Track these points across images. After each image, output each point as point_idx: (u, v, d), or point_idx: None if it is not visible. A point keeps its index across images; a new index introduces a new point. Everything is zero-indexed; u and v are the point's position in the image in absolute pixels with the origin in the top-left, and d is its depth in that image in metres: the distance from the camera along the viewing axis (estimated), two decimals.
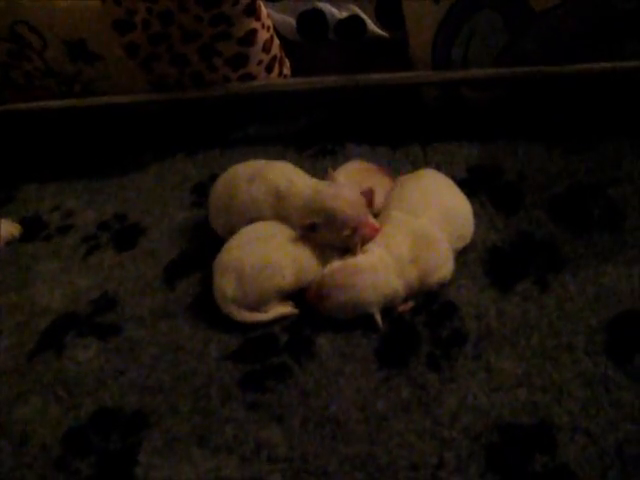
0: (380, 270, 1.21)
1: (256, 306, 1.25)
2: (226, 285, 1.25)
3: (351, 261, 1.23)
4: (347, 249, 1.26)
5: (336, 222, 1.23)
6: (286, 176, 1.35)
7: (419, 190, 1.33)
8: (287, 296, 1.28)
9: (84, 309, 1.39)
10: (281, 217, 1.31)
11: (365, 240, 1.26)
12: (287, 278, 1.25)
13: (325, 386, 1.15)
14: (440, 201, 1.31)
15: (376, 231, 1.26)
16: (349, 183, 1.32)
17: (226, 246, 1.30)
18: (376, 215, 1.32)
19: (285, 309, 1.27)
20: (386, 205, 1.32)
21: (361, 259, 1.23)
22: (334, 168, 1.39)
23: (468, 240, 1.32)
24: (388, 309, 1.23)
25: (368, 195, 1.29)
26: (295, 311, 1.27)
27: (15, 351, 1.32)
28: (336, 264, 1.24)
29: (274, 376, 1.17)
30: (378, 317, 1.21)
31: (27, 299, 1.44)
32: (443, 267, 1.25)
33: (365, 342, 1.20)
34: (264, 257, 1.25)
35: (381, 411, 1.10)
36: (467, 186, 1.40)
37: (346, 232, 1.23)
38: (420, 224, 1.26)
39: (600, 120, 1.58)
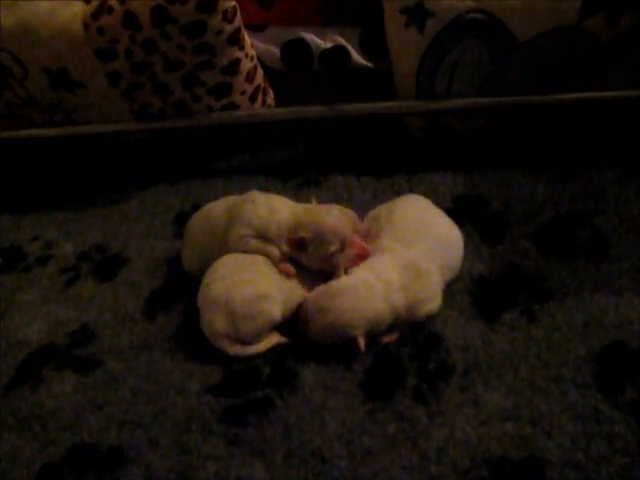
0: (362, 292, 1.19)
1: (248, 339, 1.23)
2: (216, 320, 1.22)
3: (333, 283, 1.22)
4: (331, 273, 1.25)
5: (325, 236, 1.22)
6: (272, 196, 1.35)
7: (411, 218, 1.31)
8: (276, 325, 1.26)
9: (62, 341, 1.36)
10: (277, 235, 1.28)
11: (353, 261, 1.24)
12: (278, 310, 1.23)
13: (309, 420, 1.12)
14: (433, 231, 1.30)
15: (364, 251, 1.25)
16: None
17: (207, 280, 1.27)
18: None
19: (276, 338, 1.25)
20: (376, 232, 1.30)
21: (342, 281, 1.21)
22: (317, 197, 1.38)
23: (457, 271, 1.31)
24: (373, 340, 1.21)
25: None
26: (286, 339, 1.25)
27: None
28: (319, 287, 1.23)
29: (256, 410, 1.15)
30: (361, 341, 1.18)
31: (4, 331, 1.41)
32: (433, 300, 1.23)
33: (350, 375, 1.18)
34: (253, 290, 1.22)
35: (366, 446, 1.07)
36: (452, 216, 1.38)
37: (334, 247, 1.22)
38: (411, 255, 1.24)
39: (584, 149, 1.58)
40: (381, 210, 1.35)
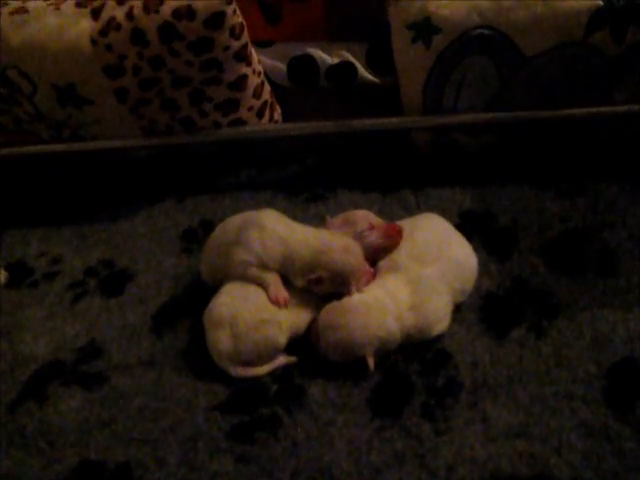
0: (373, 310, 1.19)
1: (252, 362, 1.23)
2: (220, 341, 1.22)
3: (344, 300, 1.21)
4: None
5: (344, 275, 1.22)
6: (283, 223, 1.31)
7: (431, 238, 1.30)
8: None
9: (69, 357, 1.35)
10: (286, 267, 1.26)
11: (362, 286, 1.25)
12: (283, 336, 1.23)
13: (316, 437, 1.12)
14: (451, 254, 1.28)
15: (372, 276, 1.26)
16: (342, 231, 1.31)
17: (217, 300, 1.27)
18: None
19: (282, 360, 1.24)
20: (396, 248, 1.30)
21: (354, 298, 1.21)
22: (329, 215, 1.38)
23: (468, 294, 1.30)
24: (382, 357, 1.20)
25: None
26: (292, 359, 1.24)
27: None
28: (331, 303, 1.22)
29: (264, 427, 1.14)
30: (370, 360, 1.18)
31: (11, 347, 1.40)
32: (442, 322, 1.23)
33: (358, 391, 1.18)
34: (257, 315, 1.22)
35: (375, 463, 1.07)
36: (460, 232, 1.37)
37: (352, 283, 1.23)
38: (425, 275, 1.24)
39: (592, 164, 1.58)
40: (403, 225, 1.34)
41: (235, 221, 1.37)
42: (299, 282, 1.25)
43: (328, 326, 1.19)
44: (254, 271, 1.26)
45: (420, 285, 1.22)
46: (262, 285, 1.26)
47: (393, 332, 1.19)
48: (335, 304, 1.22)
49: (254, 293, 1.25)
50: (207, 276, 1.41)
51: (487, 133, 1.64)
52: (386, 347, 1.20)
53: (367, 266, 1.27)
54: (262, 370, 1.23)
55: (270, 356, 1.23)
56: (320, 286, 1.23)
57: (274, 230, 1.28)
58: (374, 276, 1.27)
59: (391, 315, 1.19)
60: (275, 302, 1.23)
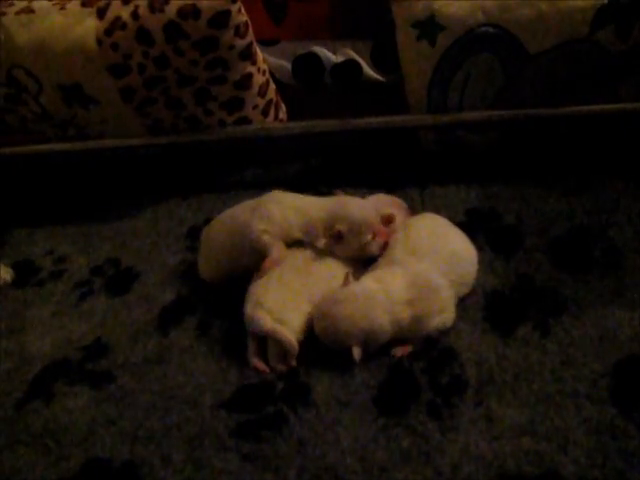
0: (361, 302, 1.19)
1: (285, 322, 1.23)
2: (264, 292, 1.25)
3: (338, 290, 1.23)
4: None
5: (361, 228, 1.27)
6: (296, 196, 1.38)
7: (426, 232, 1.31)
8: None
9: (76, 356, 1.36)
10: (308, 232, 1.32)
11: (381, 249, 1.30)
12: (294, 339, 1.23)
13: (322, 435, 1.11)
14: (446, 246, 1.30)
15: (388, 236, 1.31)
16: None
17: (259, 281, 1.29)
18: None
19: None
20: (390, 245, 1.31)
21: (347, 289, 1.22)
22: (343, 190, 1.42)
23: (471, 286, 1.30)
24: (385, 355, 1.21)
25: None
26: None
27: (3, 400, 1.28)
28: (327, 293, 1.24)
29: (269, 425, 1.14)
30: (356, 351, 1.18)
31: (17, 346, 1.41)
32: (442, 314, 1.23)
33: (363, 390, 1.17)
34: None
35: (380, 461, 1.06)
36: (465, 229, 1.38)
37: (368, 237, 1.28)
38: (421, 268, 1.24)
39: (597, 162, 1.57)
40: (402, 224, 1.36)
41: (241, 207, 1.40)
42: (322, 243, 1.30)
43: (319, 314, 1.21)
44: (267, 239, 1.30)
45: (417, 279, 1.22)
46: (266, 252, 1.29)
47: (381, 325, 1.18)
48: (329, 294, 1.23)
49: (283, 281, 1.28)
50: (209, 272, 1.42)
51: (492, 131, 1.64)
52: (376, 339, 1.20)
53: (382, 226, 1.32)
54: (288, 335, 1.21)
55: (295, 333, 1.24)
56: (341, 244, 1.29)
57: (291, 202, 1.35)
58: (389, 236, 1.31)
59: (381, 308, 1.19)
60: (267, 266, 1.27)
